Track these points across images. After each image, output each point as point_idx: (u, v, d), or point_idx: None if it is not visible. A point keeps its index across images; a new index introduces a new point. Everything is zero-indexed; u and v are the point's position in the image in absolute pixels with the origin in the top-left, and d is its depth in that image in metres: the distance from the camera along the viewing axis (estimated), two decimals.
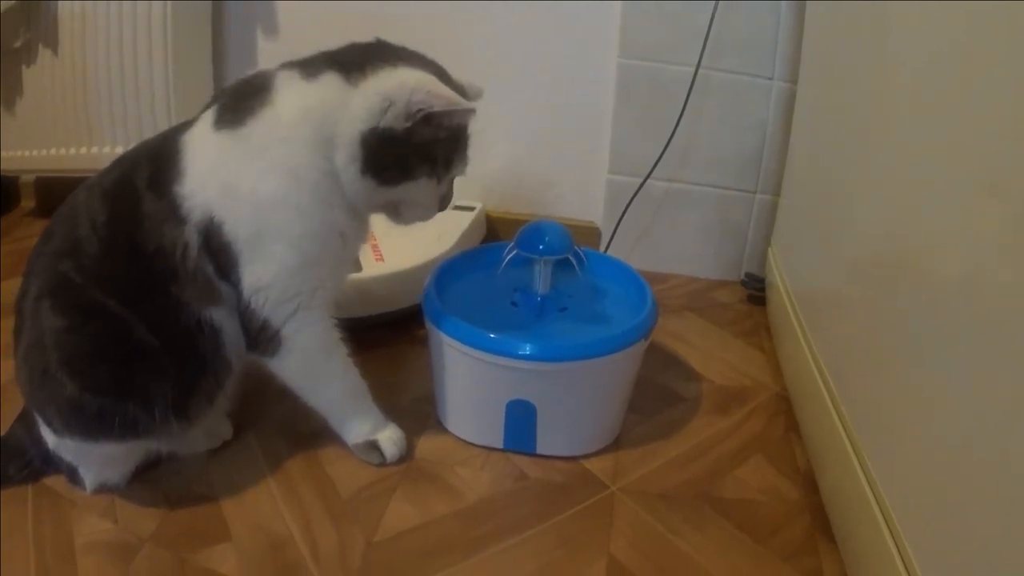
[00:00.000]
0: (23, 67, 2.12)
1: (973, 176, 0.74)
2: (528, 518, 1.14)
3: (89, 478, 1.15)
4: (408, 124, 1.08)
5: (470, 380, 1.24)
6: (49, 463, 1.16)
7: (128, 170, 1.11)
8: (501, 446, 1.27)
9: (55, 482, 1.17)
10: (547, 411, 1.21)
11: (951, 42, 0.83)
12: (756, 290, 1.87)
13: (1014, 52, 0.68)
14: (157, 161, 1.10)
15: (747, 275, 1.93)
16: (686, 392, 1.48)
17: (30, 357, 1.07)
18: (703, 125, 1.87)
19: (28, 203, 2.41)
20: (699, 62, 1.79)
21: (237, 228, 1.07)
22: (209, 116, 1.10)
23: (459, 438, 1.30)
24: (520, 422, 1.23)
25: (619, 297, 1.35)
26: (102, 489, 1.15)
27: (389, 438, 1.24)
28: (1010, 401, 0.64)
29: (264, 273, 1.08)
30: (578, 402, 1.24)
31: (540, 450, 1.25)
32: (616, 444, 1.31)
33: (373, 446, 1.23)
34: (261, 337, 1.13)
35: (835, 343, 1.20)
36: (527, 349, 1.15)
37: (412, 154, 1.11)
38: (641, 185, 1.89)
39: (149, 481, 1.17)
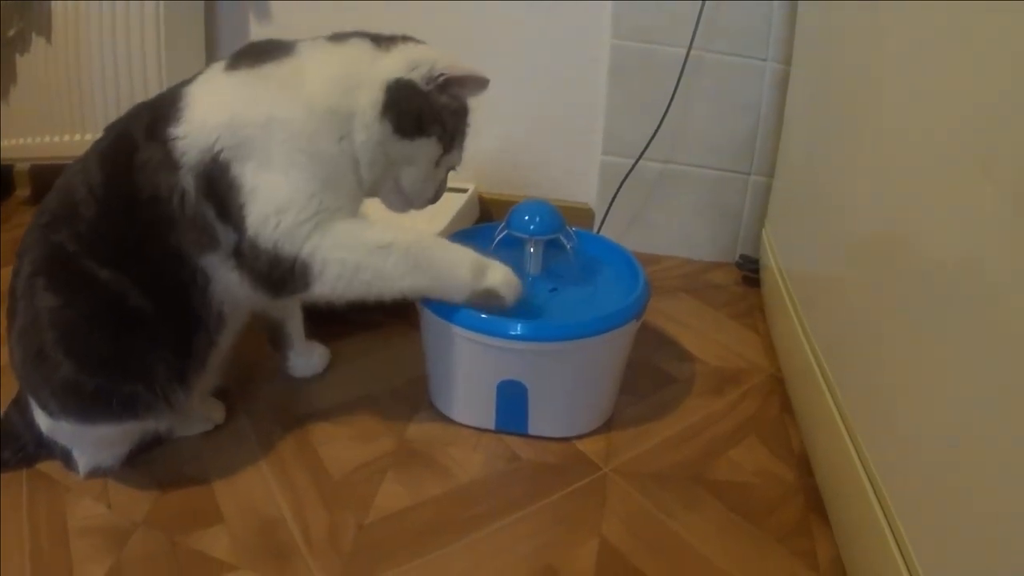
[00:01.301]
0: (17, 56, 2.12)
1: (966, 157, 0.73)
2: (520, 499, 1.14)
3: (83, 461, 1.14)
4: (429, 87, 1.15)
5: (461, 360, 1.23)
6: (43, 448, 1.15)
7: (126, 125, 1.12)
8: (493, 427, 1.26)
9: (49, 467, 1.17)
10: (538, 391, 1.21)
11: (945, 23, 0.82)
12: (750, 271, 1.86)
13: (1007, 33, 0.67)
14: (156, 111, 1.10)
15: (741, 256, 1.93)
16: (679, 373, 1.48)
17: (24, 339, 1.06)
18: (697, 106, 1.86)
19: (23, 191, 2.41)
20: (691, 43, 1.78)
21: (246, 159, 1.06)
22: (218, 65, 1.13)
23: (451, 419, 1.30)
24: (511, 402, 1.22)
25: (611, 277, 1.35)
26: (96, 473, 1.15)
27: (503, 282, 1.16)
28: (1003, 381, 0.64)
29: (275, 198, 1.06)
30: (569, 383, 1.23)
31: (532, 431, 1.25)
32: (609, 425, 1.31)
33: (489, 294, 1.16)
34: (279, 273, 1.08)
35: (828, 324, 1.20)
36: (517, 329, 1.15)
37: (428, 112, 1.15)
38: (633, 166, 1.89)
39: (142, 464, 1.17)
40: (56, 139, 2.07)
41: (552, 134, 2.03)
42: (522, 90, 1.98)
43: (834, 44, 1.33)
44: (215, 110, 1.07)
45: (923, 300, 0.82)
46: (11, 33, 2.06)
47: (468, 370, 1.24)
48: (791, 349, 1.37)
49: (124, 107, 1.88)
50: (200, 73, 1.14)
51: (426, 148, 1.18)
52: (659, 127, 1.84)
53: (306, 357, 1.40)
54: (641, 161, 1.88)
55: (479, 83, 1.19)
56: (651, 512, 1.12)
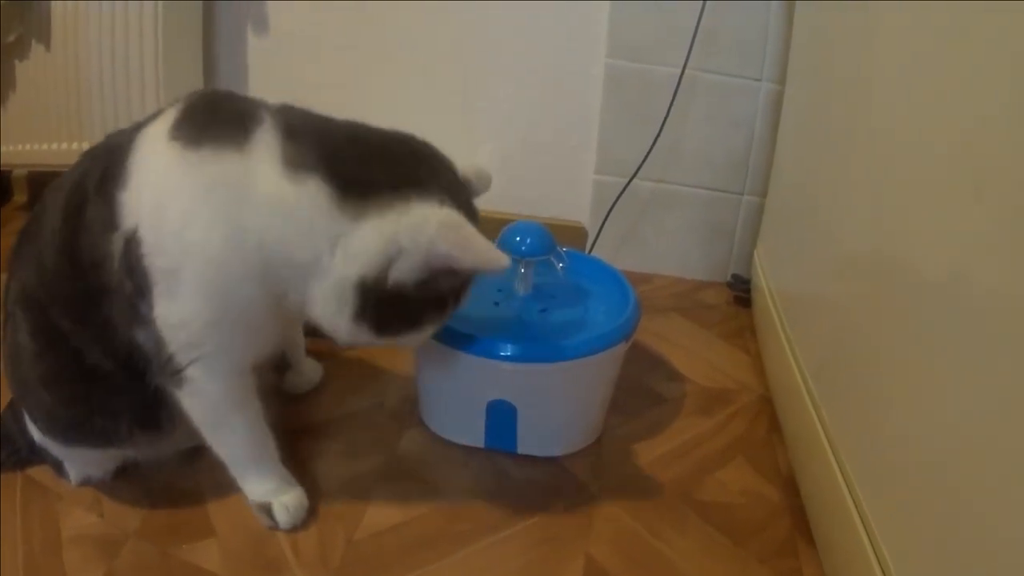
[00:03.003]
0: (16, 62, 2.12)
1: (958, 179, 0.74)
2: (508, 517, 1.14)
3: (73, 472, 1.14)
4: (424, 276, 0.94)
5: (450, 380, 1.24)
6: (36, 452, 1.15)
7: (85, 170, 1.00)
8: (483, 445, 1.27)
9: (43, 476, 1.17)
10: (528, 412, 1.21)
11: (936, 45, 0.83)
12: (742, 291, 1.87)
13: (998, 54, 0.68)
14: (109, 160, 0.96)
15: (733, 276, 1.94)
16: (669, 393, 1.48)
17: (11, 364, 1.06)
18: (691, 126, 1.87)
19: (20, 197, 2.41)
20: (685, 63, 1.79)
21: (155, 256, 0.91)
22: (169, 116, 0.94)
23: (441, 437, 1.30)
24: (501, 422, 1.22)
25: (601, 298, 1.35)
26: (87, 483, 1.15)
27: (283, 505, 1.09)
28: (990, 406, 0.64)
29: (172, 314, 0.93)
30: (559, 403, 1.24)
31: (521, 450, 1.25)
32: (598, 444, 1.31)
33: (266, 509, 1.09)
34: (167, 368, 0.97)
35: (816, 345, 1.20)
36: (507, 350, 1.14)
37: (423, 304, 0.98)
38: (626, 185, 1.89)
39: (135, 476, 1.17)
40: (54, 147, 2.07)
41: (545, 152, 2.03)
42: (516, 108, 1.98)
43: (827, 65, 1.34)
44: (145, 186, 0.92)
45: (910, 323, 0.83)
46: (11, 38, 2.06)
47: (458, 390, 1.25)
48: (779, 369, 1.38)
49: (121, 117, 1.93)
50: (157, 118, 0.96)
51: (422, 334, 1.03)
52: (652, 146, 1.84)
53: (302, 374, 1.38)
54: (634, 180, 1.89)
55: (495, 267, 0.94)
56: (638, 532, 1.13)
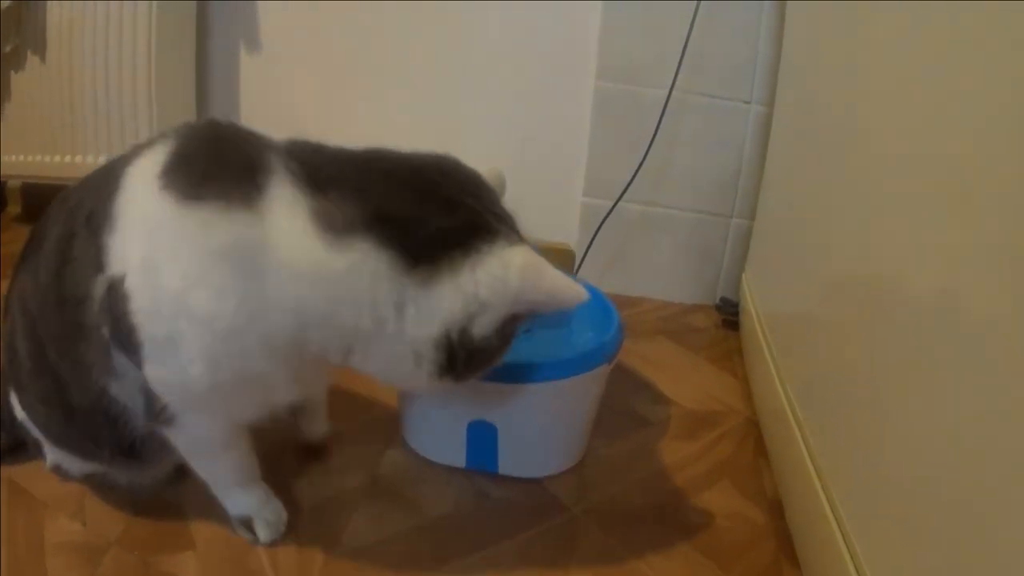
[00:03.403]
0: (12, 73, 2.15)
1: (946, 203, 0.73)
2: (488, 537, 1.13)
3: (49, 458, 1.13)
4: (506, 321, 0.87)
5: (432, 400, 1.22)
6: (16, 427, 1.12)
7: (79, 199, 0.93)
8: (464, 465, 1.25)
9: (28, 481, 1.16)
10: (509, 433, 1.20)
11: (924, 67, 0.82)
12: (730, 315, 1.86)
13: (987, 76, 0.67)
14: (98, 195, 0.88)
15: (722, 300, 1.93)
16: (654, 416, 1.47)
17: (9, 366, 1.05)
18: (680, 148, 1.87)
19: (14, 208, 2.42)
20: (672, 85, 1.79)
21: (147, 318, 0.82)
22: (159, 156, 0.84)
23: (422, 457, 1.28)
24: (482, 443, 1.21)
25: (586, 320, 1.33)
26: (57, 471, 1.14)
27: (264, 520, 1.07)
28: (976, 429, 0.63)
29: (168, 377, 0.86)
30: (540, 424, 1.22)
31: (502, 470, 1.24)
32: (580, 466, 1.29)
33: (247, 524, 1.07)
34: (154, 410, 0.90)
35: (802, 368, 1.19)
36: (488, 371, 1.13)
37: (500, 343, 0.90)
38: (612, 208, 1.89)
39: (118, 486, 1.15)
40: (48, 159, 2.09)
41: (534, 175, 2.01)
42: (506, 130, 1.98)
43: (816, 87, 1.34)
44: (134, 237, 0.83)
45: (895, 347, 0.82)
46: (7, 49, 2.08)
47: (439, 410, 1.23)
48: (766, 392, 1.37)
49: (114, 131, 1.95)
50: (143, 153, 0.87)
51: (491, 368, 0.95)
52: (639, 169, 1.84)
53: (318, 422, 1.26)
54: (622, 203, 1.89)
55: (575, 303, 0.90)
56: (620, 554, 1.11)
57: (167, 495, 1.15)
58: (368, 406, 1.41)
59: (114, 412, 0.94)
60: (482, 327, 0.85)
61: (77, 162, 2.01)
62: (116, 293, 0.83)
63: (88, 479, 1.14)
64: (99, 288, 0.85)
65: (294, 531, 1.11)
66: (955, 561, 0.65)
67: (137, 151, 0.88)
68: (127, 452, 1.01)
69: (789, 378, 1.23)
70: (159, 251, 0.81)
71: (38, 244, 0.97)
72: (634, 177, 1.84)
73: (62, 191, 1.00)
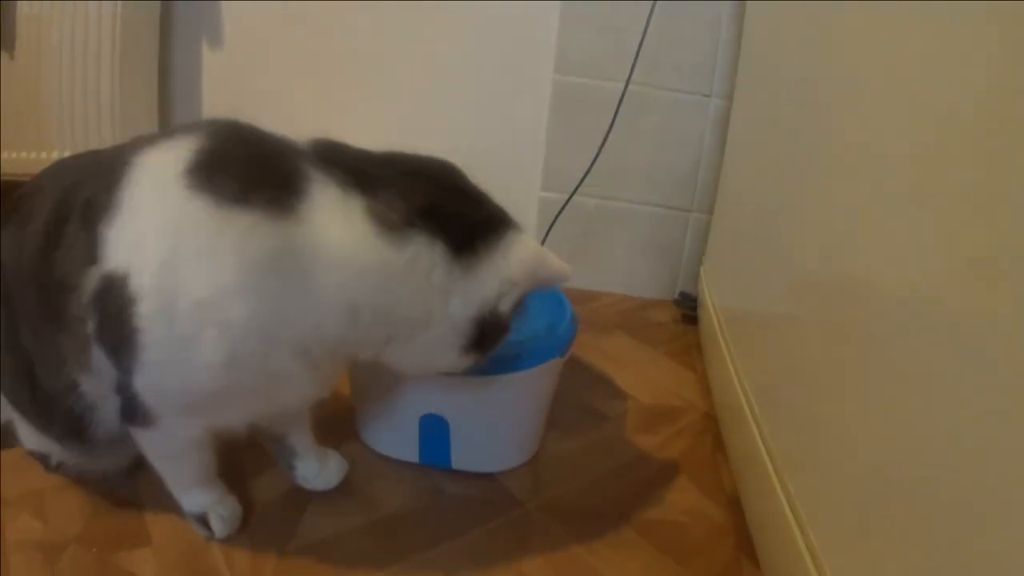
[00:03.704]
0: None
1: (905, 200, 0.72)
2: (441, 532, 1.11)
3: (25, 440, 1.11)
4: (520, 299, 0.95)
5: (383, 393, 1.20)
6: None
7: (77, 179, 0.89)
8: (417, 460, 1.23)
9: None
10: (460, 426, 1.18)
11: (886, 60, 0.81)
12: (690, 309, 1.85)
13: (947, 69, 0.66)
14: (98, 181, 0.85)
15: (681, 294, 1.92)
16: (611, 411, 1.45)
17: None
18: (639, 142, 1.86)
19: None
20: (628, 78, 1.78)
21: (158, 321, 0.80)
22: (180, 153, 0.82)
23: (377, 452, 1.26)
24: (434, 437, 1.19)
25: (539, 313, 1.31)
26: (34, 454, 1.13)
27: (219, 515, 1.05)
28: (934, 425, 0.62)
29: (164, 383, 0.85)
30: (491, 418, 1.20)
31: (456, 465, 1.22)
32: (535, 461, 1.28)
33: (202, 520, 1.05)
34: (139, 417, 0.89)
35: (758, 363, 1.19)
36: None
37: (510, 320, 0.97)
38: (567, 201, 1.87)
39: (78, 483, 1.14)
40: (14, 155, 2.07)
41: (492, 169, 1.97)
42: (462, 124, 1.97)
43: (775, 80, 1.33)
44: (150, 235, 0.80)
45: (852, 342, 0.81)
46: None
47: (390, 403, 1.21)
48: (723, 387, 1.36)
49: (78, 128, 1.92)
50: (156, 146, 0.85)
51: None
52: (594, 162, 1.83)
53: (318, 465, 1.17)
54: (581, 197, 1.87)
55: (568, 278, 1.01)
56: (574, 550, 1.09)
57: (125, 492, 1.13)
58: (321, 402, 1.37)
59: (80, 407, 0.92)
60: (506, 304, 0.93)
61: (43, 158, 1.99)
62: (116, 292, 0.80)
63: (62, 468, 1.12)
64: (90, 281, 0.82)
65: (248, 527, 1.09)
66: (912, 555, 0.64)
67: (145, 143, 0.86)
68: (82, 441, 0.98)
69: (747, 373, 1.22)
70: (186, 255, 0.79)
71: (25, 217, 0.92)
72: (589, 170, 1.83)
73: (57, 163, 0.99)
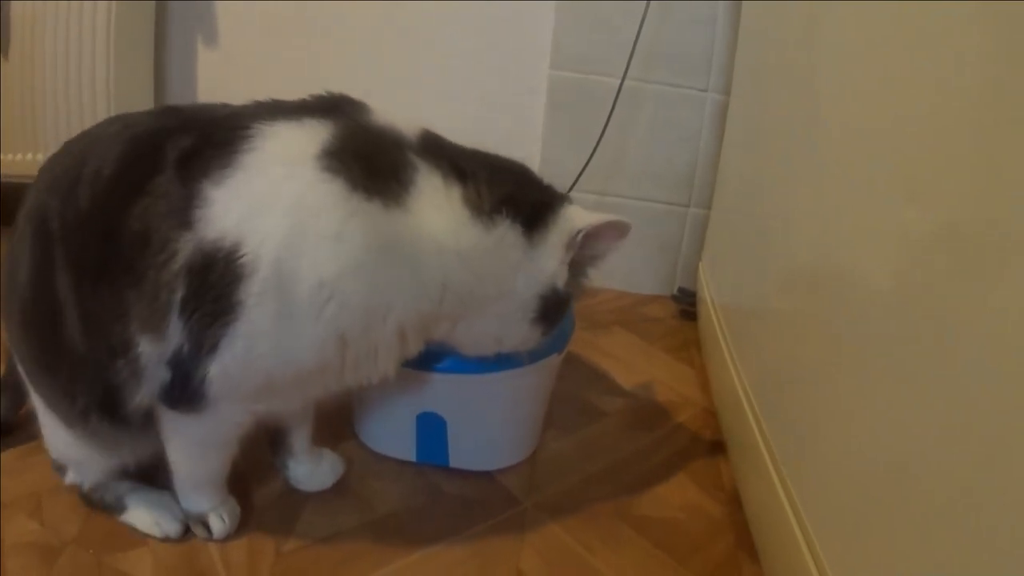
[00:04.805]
0: None
1: (901, 194, 0.72)
2: (439, 531, 1.10)
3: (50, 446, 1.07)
4: (575, 271, 1.05)
5: (380, 392, 1.18)
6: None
7: (167, 128, 0.89)
8: (414, 459, 1.22)
9: None
10: (457, 424, 1.18)
11: (881, 56, 0.81)
12: (688, 305, 1.84)
13: (941, 65, 0.66)
14: (206, 136, 0.87)
15: (680, 290, 1.91)
16: (609, 407, 1.44)
17: (8, 282, 0.96)
18: (636, 137, 1.85)
19: None
20: (624, 73, 1.77)
21: (269, 296, 0.83)
22: (314, 135, 0.87)
23: (374, 451, 1.26)
24: (431, 435, 1.19)
25: None
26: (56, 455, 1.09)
27: (219, 516, 1.05)
28: (931, 419, 0.62)
29: (254, 360, 0.86)
30: (488, 416, 1.20)
31: (453, 463, 1.21)
32: (533, 459, 1.27)
33: (202, 521, 1.05)
34: (188, 401, 0.90)
35: (757, 358, 1.18)
36: (434, 361, 1.11)
37: (567, 295, 1.05)
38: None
39: (73, 485, 1.12)
40: (11, 157, 2.05)
41: None
42: (458, 121, 1.94)
43: (772, 75, 1.32)
44: (277, 206, 0.83)
45: (850, 337, 0.81)
46: None
47: (387, 402, 1.21)
48: (723, 383, 1.35)
49: (73, 128, 1.89)
50: (282, 115, 0.89)
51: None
52: (590, 158, 1.82)
53: (311, 466, 1.18)
54: (578, 193, 1.86)
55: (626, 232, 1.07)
56: (571, 547, 1.08)
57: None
58: (319, 403, 1.37)
59: (125, 374, 0.90)
60: (562, 276, 1.01)
61: (39, 160, 1.96)
62: (221, 262, 0.82)
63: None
64: (185, 246, 0.83)
65: (245, 527, 1.09)
66: (912, 551, 0.64)
67: (267, 111, 0.90)
68: (112, 413, 0.94)
69: (745, 368, 1.22)
70: (314, 235, 0.84)
71: (76, 161, 0.91)
72: (586, 166, 1.82)
73: (109, 120, 0.98)
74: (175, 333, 0.85)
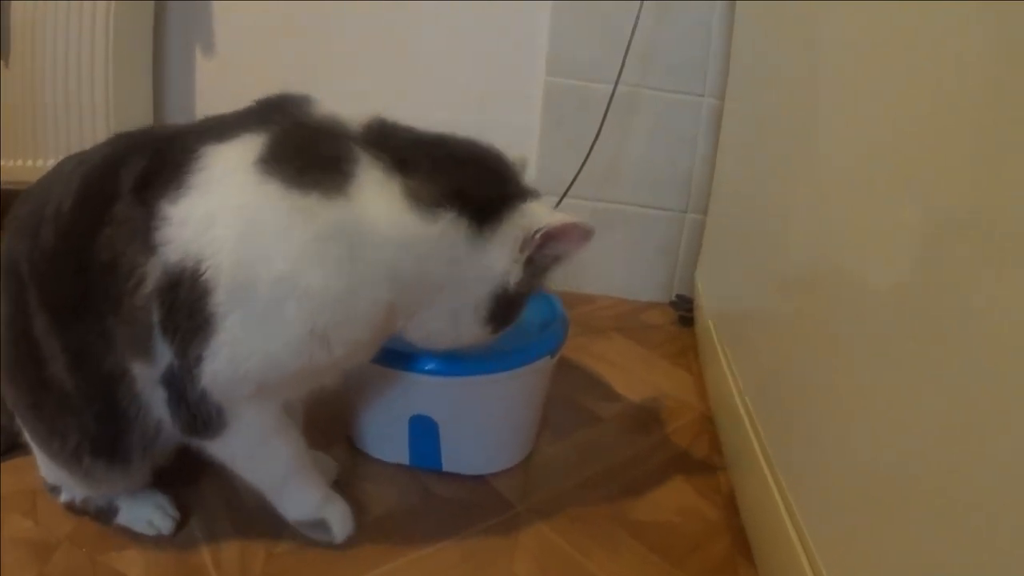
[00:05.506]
0: None
1: (899, 198, 0.71)
2: (431, 534, 1.10)
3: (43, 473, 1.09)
4: (530, 271, 1.00)
5: (373, 395, 1.19)
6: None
7: (120, 155, 0.92)
8: (407, 462, 1.22)
9: None
10: (450, 428, 1.17)
11: (877, 59, 0.81)
12: (686, 311, 1.83)
13: (938, 68, 0.66)
14: (157, 160, 0.89)
15: (677, 296, 1.90)
16: (605, 412, 1.43)
17: None
18: (632, 143, 1.85)
19: None
20: (618, 79, 1.76)
21: (235, 301, 0.84)
22: (250, 146, 0.88)
23: (368, 455, 1.25)
24: (424, 438, 1.18)
25: (532, 315, 1.30)
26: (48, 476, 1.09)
27: (339, 514, 1.06)
28: (927, 424, 0.62)
29: (243, 366, 0.87)
30: (481, 419, 1.19)
31: (446, 467, 1.20)
32: (527, 463, 1.26)
33: (320, 524, 1.05)
34: (203, 419, 0.91)
35: (753, 363, 1.18)
36: (426, 363, 1.10)
37: (522, 297, 1.03)
38: (558, 203, 1.85)
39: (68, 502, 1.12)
40: (11, 163, 2.06)
41: None
42: (455, 128, 1.95)
43: (767, 79, 1.32)
44: (225, 218, 0.85)
45: (845, 342, 0.81)
46: None
47: (380, 405, 1.20)
48: (719, 388, 1.34)
49: (74, 138, 1.90)
50: (223, 131, 0.91)
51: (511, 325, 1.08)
52: (583, 164, 1.81)
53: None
54: (575, 200, 1.85)
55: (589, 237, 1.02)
56: (566, 551, 1.07)
57: None
58: (313, 405, 1.36)
59: (125, 400, 0.93)
60: (516, 275, 0.98)
61: (39, 166, 1.98)
62: (188, 278, 0.85)
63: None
64: (153, 270, 0.86)
65: (236, 527, 1.09)
66: (908, 554, 0.63)
67: (215, 130, 0.91)
68: (102, 447, 0.97)
69: (742, 373, 1.21)
70: (261, 236, 0.85)
71: (38, 203, 0.93)
72: (579, 173, 1.81)
73: (61, 161, 1.00)
74: (163, 354, 0.89)
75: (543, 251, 0.99)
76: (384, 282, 0.91)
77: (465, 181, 0.96)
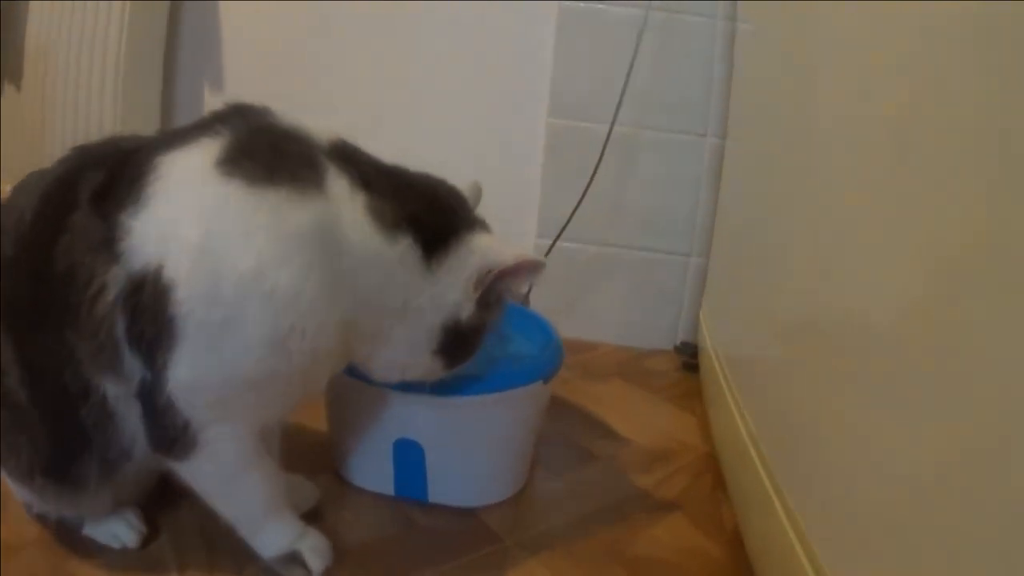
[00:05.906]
0: None
1: (904, 238, 0.70)
2: (411, 565, 1.04)
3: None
4: (484, 305, 0.99)
5: (355, 415, 1.16)
6: None
7: (77, 167, 0.91)
8: (392, 492, 1.17)
9: None
10: (436, 453, 1.12)
11: (878, 100, 0.79)
12: (691, 357, 1.77)
13: (941, 111, 0.65)
14: (114, 172, 0.87)
15: (682, 343, 1.85)
16: (605, 451, 1.38)
17: None
18: (634, 185, 1.82)
19: None
20: (613, 120, 1.75)
21: (200, 306, 0.82)
22: (209, 149, 0.86)
23: (351, 484, 1.21)
24: (409, 465, 1.13)
25: (521, 338, 1.28)
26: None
27: (314, 549, 1.01)
28: (940, 460, 0.61)
29: (205, 372, 0.85)
30: (469, 445, 1.15)
31: (432, 498, 1.16)
32: (517, 497, 1.21)
33: (294, 559, 1.00)
34: (171, 434, 0.88)
35: (764, 405, 1.13)
36: (408, 382, 1.06)
37: (479, 331, 1.02)
38: (551, 246, 1.82)
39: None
40: None
41: (487, 216, 1.94)
42: (456, 170, 1.92)
43: (768, 121, 1.30)
44: (186, 220, 0.83)
45: (856, 381, 0.79)
46: None
47: (364, 428, 1.16)
48: (726, 429, 1.29)
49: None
50: (177, 141, 0.88)
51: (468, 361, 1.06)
52: (578, 206, 1.78)
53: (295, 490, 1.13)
54: (576, 244, 1.83)
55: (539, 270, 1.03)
56: None
57: None
58: (296, 432, 1.31)
59: (93, 417, 0.90)
60: (468, 309, 0.97)
61: None
62: (150, 286, 0.82)
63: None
64: (115, 279, 0.83)
65: (207, 548, 1.05)
66: None
67: (172, 141, 0.89)
68: (57, 468, 0.94)
69: (751, 413, 1.17)
70: (224, 234, 0.82)
71: (3, 216, 0.92)
72: (574, 212, 1.78)
73: (27, 176, 0.97)
74: (135, 369, 0.86)
75: (495, 285, 0.99)
76: (348, 295, 0.90)
77: (419, 208, 0.96)
